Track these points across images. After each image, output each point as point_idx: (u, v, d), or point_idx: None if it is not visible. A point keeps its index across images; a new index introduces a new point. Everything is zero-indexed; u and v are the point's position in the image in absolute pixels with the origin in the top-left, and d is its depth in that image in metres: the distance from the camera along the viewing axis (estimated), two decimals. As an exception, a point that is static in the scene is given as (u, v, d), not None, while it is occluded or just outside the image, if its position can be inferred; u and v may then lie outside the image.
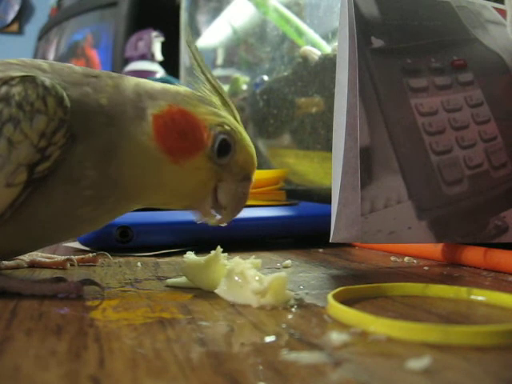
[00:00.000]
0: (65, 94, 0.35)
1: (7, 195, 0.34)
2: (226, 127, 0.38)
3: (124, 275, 0.43)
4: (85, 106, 0.36)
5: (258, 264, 0.37)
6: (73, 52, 1.80)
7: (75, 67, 0.38)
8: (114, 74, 0.39)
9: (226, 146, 0.38)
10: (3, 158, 0.33)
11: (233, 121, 0.39)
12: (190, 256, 0.39)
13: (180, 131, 0.37)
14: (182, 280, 0.39)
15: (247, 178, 0.39)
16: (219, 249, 0.38)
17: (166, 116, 0.37)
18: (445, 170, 0.46)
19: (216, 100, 0.39)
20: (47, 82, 0.34)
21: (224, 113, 0.39)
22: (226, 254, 0.38)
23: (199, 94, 0.39)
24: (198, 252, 0.41)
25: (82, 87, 0.36)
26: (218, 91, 0.39)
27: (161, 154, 0.36)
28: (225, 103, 0.40)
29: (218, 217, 0.40)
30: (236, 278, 0.34)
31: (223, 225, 0.40)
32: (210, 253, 0.38)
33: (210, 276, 0.37)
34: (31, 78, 0.34)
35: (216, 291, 0.35)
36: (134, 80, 0.39)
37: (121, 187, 0.37)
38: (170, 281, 0.40)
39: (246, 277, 0.34)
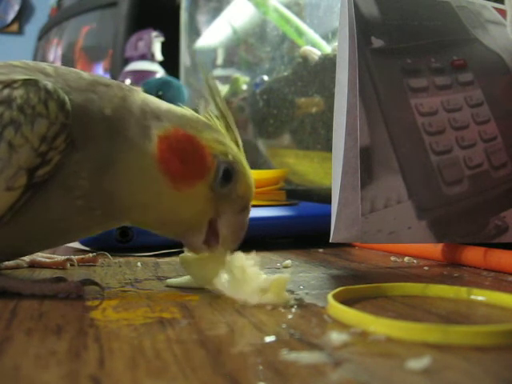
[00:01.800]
0: (67, 99, 0.34)
1: (7, 198, 0.34)
2: (230, 157, 0.37)
3: (124, 275, 0.43)
4: (87, 112, 0.35)
5: (258, 261, 0.37)
6: (73, 52, 1.80)
7: (83, 73, 0.38)
8: (125, 86, 0.38)
9: (228, 175, 0.37)
10: (3, 161, 0.33)
11: (236, 150, 0.38)
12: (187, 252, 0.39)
13: (184, 156, 0.36)
14: (182, 280, 0.39)
15: (246, 208, 0.38)
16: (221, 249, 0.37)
17: (171, 138, 0.36)
18: (445, 170, 0.46)
19: (221, 125, 0.38)
20: (49, 85, 0.34)
21: (228, 140, 0.38)
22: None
23: (204, 118, 0.38)
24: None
25: (86, 94, 0.36)
26: (224, 116, 0.39)
27: (162, 176, 0.35)
28: (229, 129, 0.39)
29: (217, 249, 0.37)
30: (236, 274, 0.34)
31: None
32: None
33: (209, 269, 0.36)
34: (33, 82, 0.34)
35: (214, 284, 0.35)
36: (141, 96, 0.38)
37: (112, 202, 0.36)
38: (170, 281, 0.40)
39: (247, 273, 0.34)
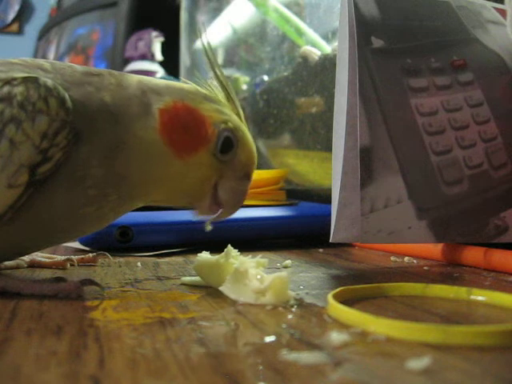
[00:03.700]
0: (67, 95, 0.35)
1: (8, 196, 0.34)
2: (230, 125, 0.38)
3: (124, 275, 0.43)
4: (88, 105, 0.35)
5: (265, 263, 0.37)
6: (72, 52, 1.80)
7: (76, 66, 0.38)
8: (116, 72, 0.39)
9: (229, 143, 0.38)
10: (5, 158, 0.33)
11: (236, 119, 0.39)
12: (204, 255, 0.39)
13: (185, 126, 0.37)
14: (196, 279, 0.40)
15: (247, 175, 0.39)
16: (230, 247, 0.38)
17: (171, 111, 0.37)
18: (445, 170, 0.46)
19: (221, 96, 0.40)
20: (49, 82, 0.34)
21: (228, 110, 0.39)
22: (238, 253, 0.38)
23: (204, 90, 0.39)
24: (196, 252, 0.41)
25: (84, 87, 0.36)
26: (224, 87, 0.40)
27: (166, 148, 0.37)
28: (230, 100, 0.40)
29: (216, 214, 0.40)
30: (240, 277, 0.35)
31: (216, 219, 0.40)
32: (222, 251, 0.38)
33: (220, 274, 0.37)
34: (33, 79, 0.34)
35: (220, 288, 0.35)
36: (136, 77, 0.39)
37: (126, 183, 0.37)
38: (184, 279, 0.40)
39: (248, 275, 0.34)
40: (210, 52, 0.40)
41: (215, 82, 0.40)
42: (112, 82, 0.37)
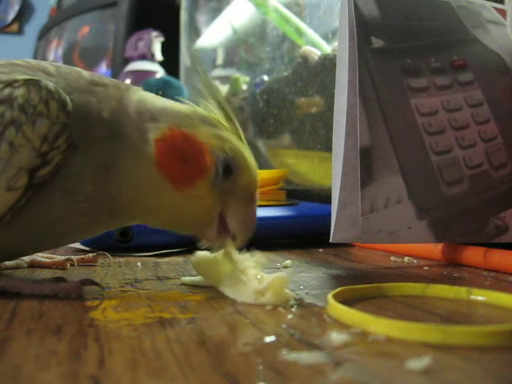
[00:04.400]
0: (68, 99, 0.34)
1: (7, 199, 0.34)
2: (229, 151, 0.36)
3: (124, 275, 0.43)
4: (87, 114, 0.35)
5: (263, 262, 0.37)
6: (73, 52, 1.80)
7: (84, 73, 0.38)
8: (122, 85, 0.38)
9: (228, 169, 0.36)
10: (4, 161, 0.33)
11: (236, 141, 0.38)
12: (202, 252, 0.39)
13: (182, 157, 0.36)
14: (196, 278, 0.39)
15: (252, 198, 0.38)
16: (229, 248, 0.37)
17: (167, 141, 0.36)
18: (445, 170, 0.46)
19: (220, 116, 0.38)
20: (50, 85, 0.34)
21: (227, 132, 0.38)
22: (236, 251, 0.38)
23: (202, 112, 0.38)
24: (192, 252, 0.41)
25: (86, 95, 0.36)
26: (222, 107, 0.38)
27: (162, 180, 0.35)
28: (229, 120, 0.38)
29: (230, 243, 0.38)
30: (239, 276, 0.34)
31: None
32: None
33: (219, 270, 0.37)
34: (34, 81, 0.34)
35: (220, 288, 0.35)
36: (138, 95, 0.38)
37: (118, 205, 0.36)
38: (184, 279, 0.40)
39: (247, 275, 0.34)
40: (205, 76, 0.39)
41: (213, 102, 0.38)
42: (114, 97, 0.36)
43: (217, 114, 0.38)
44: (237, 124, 0.38)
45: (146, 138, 0.36)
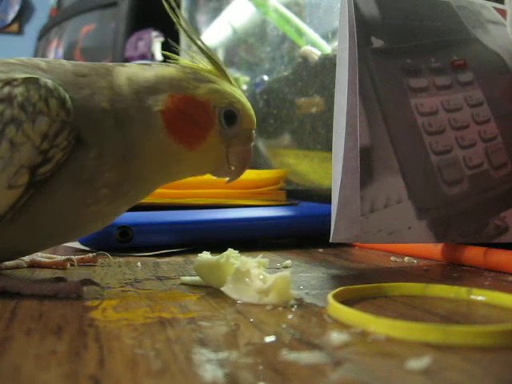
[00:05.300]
0: (67, 96, 0.35)
1: (9, 197, 0.34)
2: (228, 101, 0.39)
3: (124, 275, 0.43)
4: (89, 109, 0.35)
5: (265, 263, 0.37)
6: (73, 52, 1.80)
7: (65, 64, 0.38)
8: (101, 71, 0.38)
9: (232, 117, 0.40)
10: (5, 159, 0.33)
11: (230, 89, 0.40)
12: (204, 255, 0.39)
13: (188, 120, 0.38)
14: (196, 278, 0.40)
15: (250, 137, 0.42)
16: (231, 250, 0.38)
17: (171, 109, 0.37)
18: (445, 170, 0.46)
19: (210, 67, 0.40)
20: (50, 83, 0.34)
21: (221, 82, 0.40)
22: (238, 254, 0.38)
23: (192, 69, 0.40)
24: (196, 252, 0.41)
25: (79, 89, 0.36)
26: (211, 59, 0.40)
27: (178, 146, 0.38)
28: (219, 69, 0.40)
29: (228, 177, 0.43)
30: (242, 277, 0.34)
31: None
32: (222, 252, 0.39)
33: (221, 274, 0.37)
34: (34, 79, 0.34)
35: (222, 289, 0.35)
36: (124, 74, 0.38)
37: (144, 181, 0.38)
38: (184, 279, 0.40)
39: (250, 275, 0.34)
40: (187, 26, 0.41)
41: (202, 55, 0.40)
42: (103, 86, 0.37)
43: (204, 64, 0.40)
44: (225, 68, 0.41)
45: (151, 114, 0.37)
